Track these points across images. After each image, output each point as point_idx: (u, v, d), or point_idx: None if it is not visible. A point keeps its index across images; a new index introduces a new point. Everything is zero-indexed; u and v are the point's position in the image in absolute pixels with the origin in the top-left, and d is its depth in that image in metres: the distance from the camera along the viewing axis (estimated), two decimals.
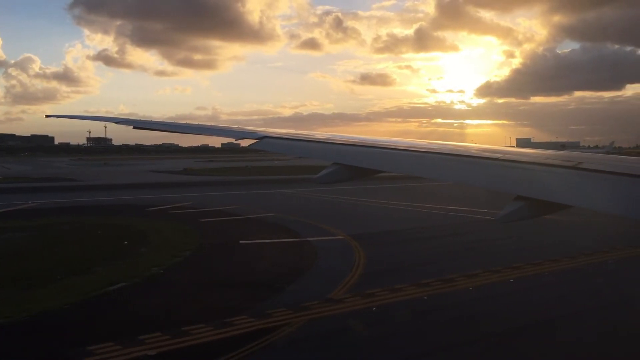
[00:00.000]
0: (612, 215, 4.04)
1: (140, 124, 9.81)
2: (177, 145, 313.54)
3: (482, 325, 12.41)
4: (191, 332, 11.37)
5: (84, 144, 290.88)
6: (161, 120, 10.93)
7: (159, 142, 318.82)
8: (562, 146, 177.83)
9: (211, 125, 10.04)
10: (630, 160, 5.58)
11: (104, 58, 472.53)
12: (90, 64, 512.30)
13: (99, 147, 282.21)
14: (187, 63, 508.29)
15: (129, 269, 17.47)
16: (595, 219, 26.20)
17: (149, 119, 11.33)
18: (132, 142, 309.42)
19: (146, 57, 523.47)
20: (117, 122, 10.34)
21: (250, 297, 14.43)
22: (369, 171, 6.16)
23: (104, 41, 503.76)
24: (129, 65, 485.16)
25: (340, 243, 21.97)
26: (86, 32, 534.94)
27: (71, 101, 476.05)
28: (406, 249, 21.44)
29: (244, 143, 7.69)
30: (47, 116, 12.75)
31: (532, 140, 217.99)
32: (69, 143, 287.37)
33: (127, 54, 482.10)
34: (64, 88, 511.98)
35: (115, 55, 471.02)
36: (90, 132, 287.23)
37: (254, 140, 7.46)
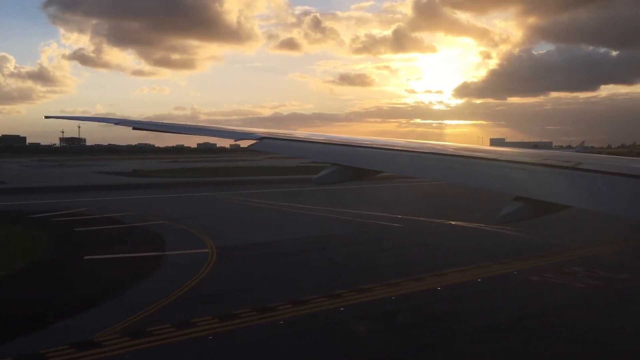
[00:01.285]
0: (612, 217, 3.97)
1: (139, 125, 9.68)
2: (153, 145, 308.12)
3: None
4: None
5: (54, 144, 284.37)
6: (160, 121, 10.76)
7: (134, 143, 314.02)
8: (534, 146, 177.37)
9: (209, 126, 9.95)
10: (629, 160, 5.43)
11: (80, 57, 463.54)
12: (66, 64, 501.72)
13: (70, 147, 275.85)
14: (165, 63, 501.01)
15: None
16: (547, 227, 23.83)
17: (147, 120, 11.26)
18: (105, 142, 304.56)
19: (123, 57, 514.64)
20: (116, 123, 10.09)
21: None
22: (369, 172, 6.08)
23: (80, 40, 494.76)
24: (105, 65, 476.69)
25: (199, 258, 19.11)
26: (62, 31, 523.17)
27: (47, 101, 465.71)
28: (266, 265, 18.56)
29: (244, 144, 7.60)
30: (46, 117, 12.36)
31: (505, 140, 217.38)
32: (39, 143, 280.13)
33: (103, 53, 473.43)
34: (39, 88, 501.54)
35: (92, 55, 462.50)
36: (63, 132, 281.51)
37: (254, 141, 7.36)
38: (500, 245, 21.69)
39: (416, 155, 6.05)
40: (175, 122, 11.50)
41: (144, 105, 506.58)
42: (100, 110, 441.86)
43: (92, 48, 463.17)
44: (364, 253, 20.37)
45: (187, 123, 10.49)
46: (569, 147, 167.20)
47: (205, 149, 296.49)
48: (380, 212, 30.93)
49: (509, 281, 15.98)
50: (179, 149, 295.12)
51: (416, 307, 13.75)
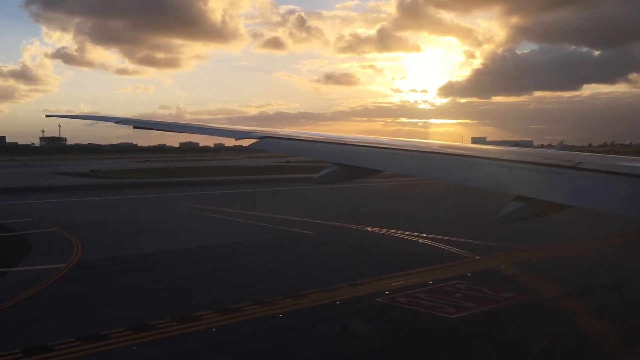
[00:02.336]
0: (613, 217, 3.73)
1: (140, 124, 9.70)
2: (135, 144, 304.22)
3: None
4: None
5: (33, 143, 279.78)
6: (160, 121, 10.72)
7: (116, 142, 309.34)
8: (516, 145, 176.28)
9: (210, 126, 9.84)
10: (630, 160, 5.36)
11: (63, 56, 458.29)
12: (49, 62, 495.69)
13: (50, 146, 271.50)
14: (149, 61, 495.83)
15: None
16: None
17: (148, 119, 11.29)
18: (85, 142, 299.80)
19: (107, 55, 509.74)
20: (117, 122, 10.06)
21: None
22: (370, 171, 6.06)
23: (63, 39, 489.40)
24: (89, 64, 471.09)
25: (42, 275, 16.52)
26: (44, 29, 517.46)
27: (30, 100, 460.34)
28: (108, 285, 16.00)
29: (245, 143, 7.54)
30: (47, 115, 12.63)
31: (487, 139, 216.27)
32: (17, 143, 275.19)
33: (86, 52, 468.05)
34: (22, 87, 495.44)
35: (75, 53, 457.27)
36: (43, 131, 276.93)
37: (255, 140, 7.36)
38: (399, 256, 19.47)
39: (418, 154, 6.01)
40: (176, 122, 11.52)
41: (129, 104, 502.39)
42: (84, 109, 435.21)
43: (75, 47, 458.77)
44: (237, 268, 17.94)
45: (188, 122, 10.31)
46: (549, 146, 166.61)
47: (188, 148, 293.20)
48: (306, 217, 28.69)
49: (371, 304, 13.63)
50: (161, 148, 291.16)
51: (230, 343, 11.38)
